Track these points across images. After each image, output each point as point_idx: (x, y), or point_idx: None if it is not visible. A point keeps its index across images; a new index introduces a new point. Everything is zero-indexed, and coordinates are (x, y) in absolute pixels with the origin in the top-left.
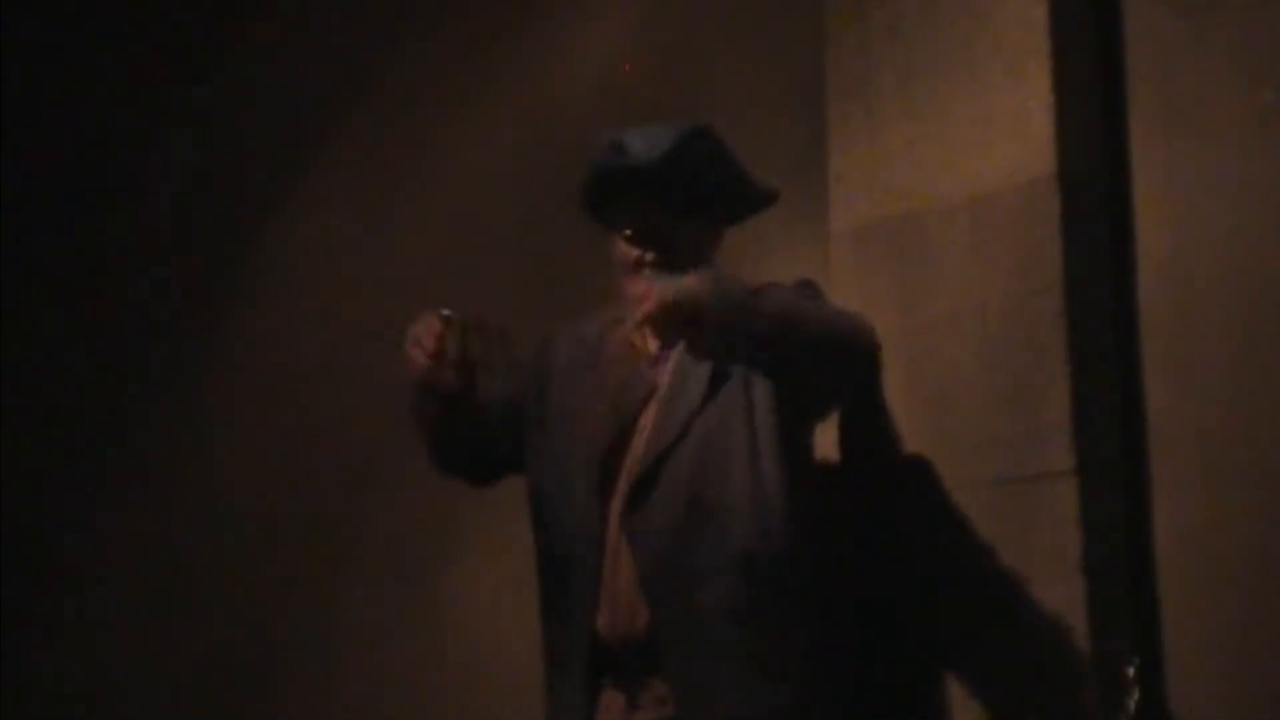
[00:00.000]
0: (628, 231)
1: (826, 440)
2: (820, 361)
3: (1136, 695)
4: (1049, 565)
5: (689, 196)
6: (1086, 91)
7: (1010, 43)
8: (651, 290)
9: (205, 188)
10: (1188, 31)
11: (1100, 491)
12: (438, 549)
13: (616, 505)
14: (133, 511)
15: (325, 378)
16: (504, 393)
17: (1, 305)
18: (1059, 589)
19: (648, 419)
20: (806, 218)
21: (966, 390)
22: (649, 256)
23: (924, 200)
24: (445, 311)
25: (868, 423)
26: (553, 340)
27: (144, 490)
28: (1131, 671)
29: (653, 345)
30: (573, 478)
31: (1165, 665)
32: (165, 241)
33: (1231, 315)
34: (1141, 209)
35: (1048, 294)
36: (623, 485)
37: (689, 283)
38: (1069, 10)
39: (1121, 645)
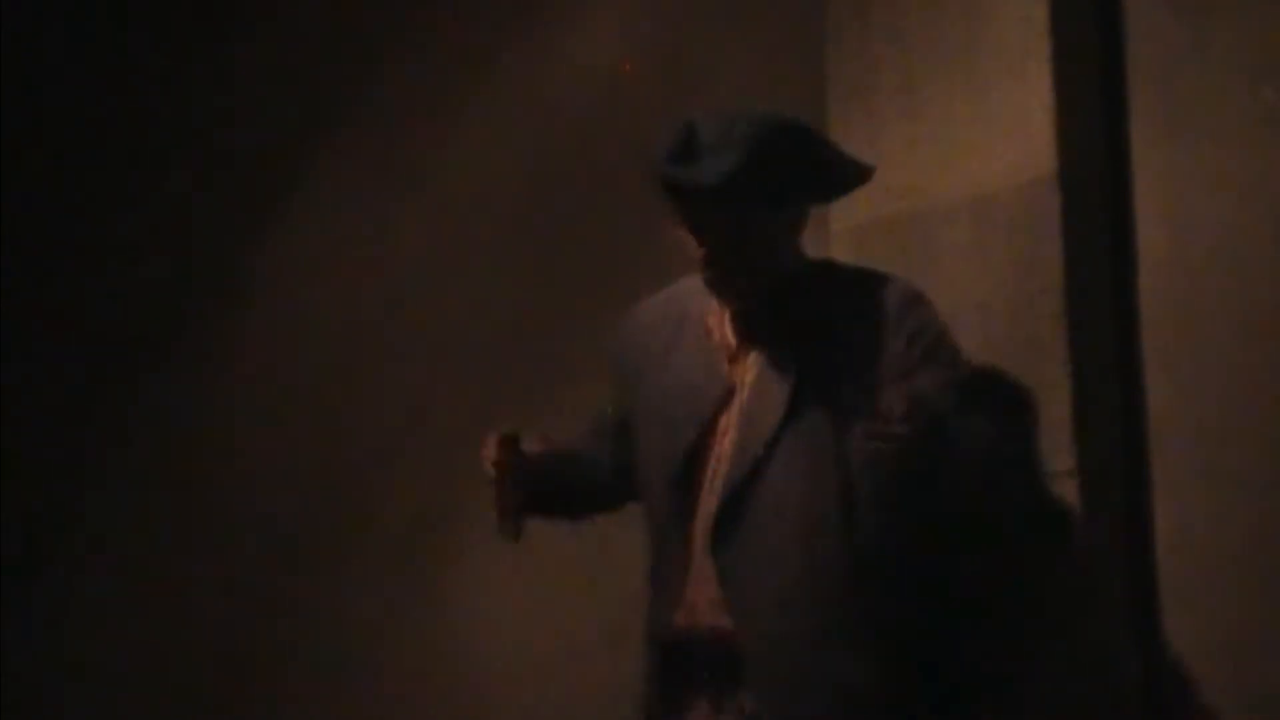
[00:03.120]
0: (691, 228)
1: None
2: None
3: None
4: None
5: (765, 193)
6: (1086, 91)
7: (1010, 43)
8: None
9: (206, 188)
10: (1188, 32)
11: (1100, 491)
12: (438, 549)
13: (704, 514)
14: (133, 513)
15: (326, 378)
16: (610, 413)
17: (1, 306)
18: None
19: (729, 421)
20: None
21: None
22: (714, 262)
23: (924, 200)
24: (507, 435)
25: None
26: (629, 328)
27: (144, 491)
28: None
29: (731, 339)
30: (655, 481)
31: (1165, 665)
32: (166, 242)
33: (1231, 315)
34: (1141, 209)
35: (1048, 294)
36: (709, 494)
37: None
38: (1069, 10)
39: (1122, 645)
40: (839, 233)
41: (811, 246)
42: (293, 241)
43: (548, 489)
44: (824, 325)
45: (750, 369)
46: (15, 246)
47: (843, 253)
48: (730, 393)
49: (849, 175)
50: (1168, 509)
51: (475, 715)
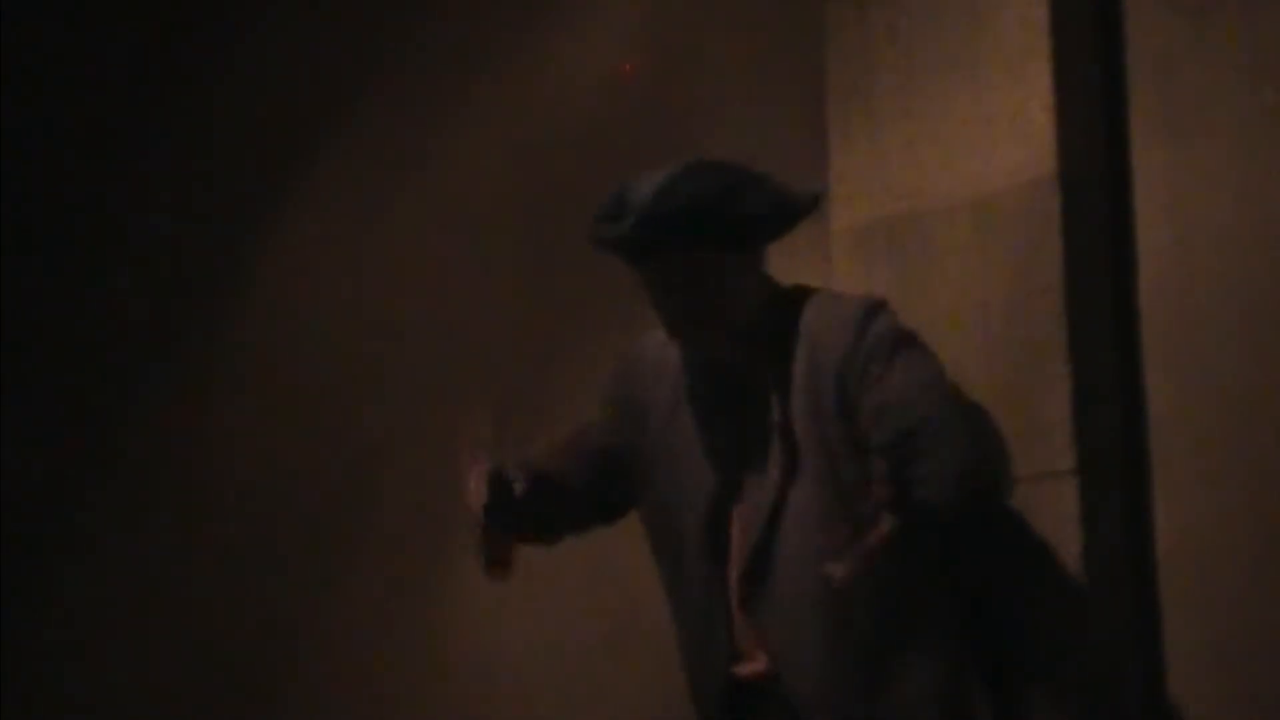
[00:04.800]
0: (647, 288)
1: None
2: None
3: None
4: None
5: (703, 238)
6: (1087, 91)
7: (1010, 43)
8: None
9: (205, 189)
10: (1188, 32)
11: (1100, 491)
12: (438, 549)
13: (731, 577)
14: (132, 513)
15: (325, 379)
16: (597, 443)
17: (2, 306)
18: None
19: (746, 477)
20: (807, 218)
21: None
22: (688, 300)
23: (924, 200)
24: (494, 472)
25: None
26: (632, 366)
27: (143, 491)
28: None
29: (712, 388)
30: (682, 533)
31: (1165, 665)
32: (164, 243)
33: (1231, 315)
34: (1141, 209)
35: (1048, 294)
36: (736, 559)
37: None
38: (1069, 10)
39: (1122, 645)
40: (839, 233)
41: (810, 247)
42: (291, 244)
43: (528, 525)
44: (801, 361)
45: (741, 429)
46: (14, 249)
47: (843, 253)
48: (743, 449)
49: (790, 206)
50: (1168, 509)
51: (475, 715)
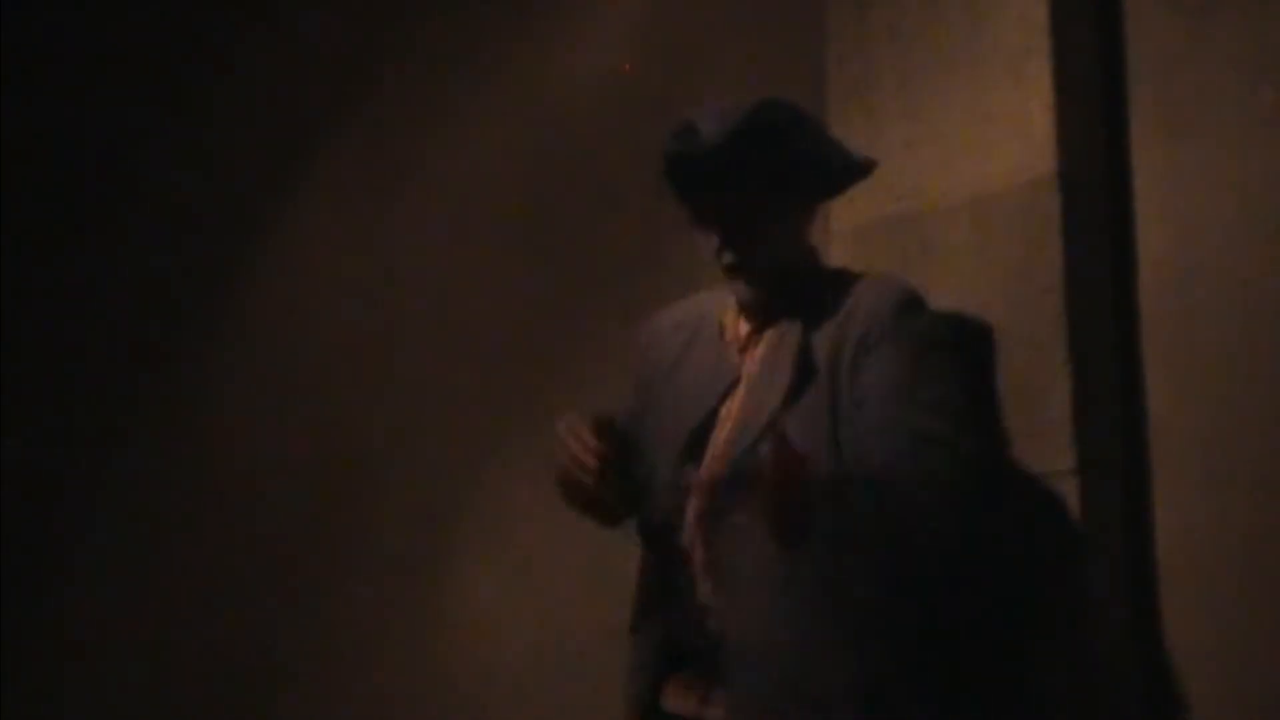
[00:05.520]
0: (703, 221)
1: None
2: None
3: None
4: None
5: (765, 171)
6: (1087, 91)
7: (1010, 43)
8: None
9: (207, 187)
10: (1188, 31)
11: (1100, 491)
12: (438, 549)
13: (696, 500)
14: (133, 514)
15: (326, 379)
16: (621, 425)
17: (2, 308)
18: None
19: (732, 408)
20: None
21: None
22: (727, 247)
23: (925, 200)
24: (602, 419)
25: None
26: (653, 331)
27: (144, 492)
28: None
29: (743, 330)
30: (657, 469)
31: (1165, 665)
32: (166, 243)
33: (1231, 315)
34: (1141, 209)
35: (1048, 294)
36: (703, 480)
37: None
38: (1069, 10)
39: (1122, 645)
40: (839, 233)
41: None
42: (293, 242)
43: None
44: (830, 316)
45: (756, 357)
46: (14, 251)
47: (843, 253)
48: (737, 382)
49: (851, 164)
50: (1168, 509)
51: (475, 715)
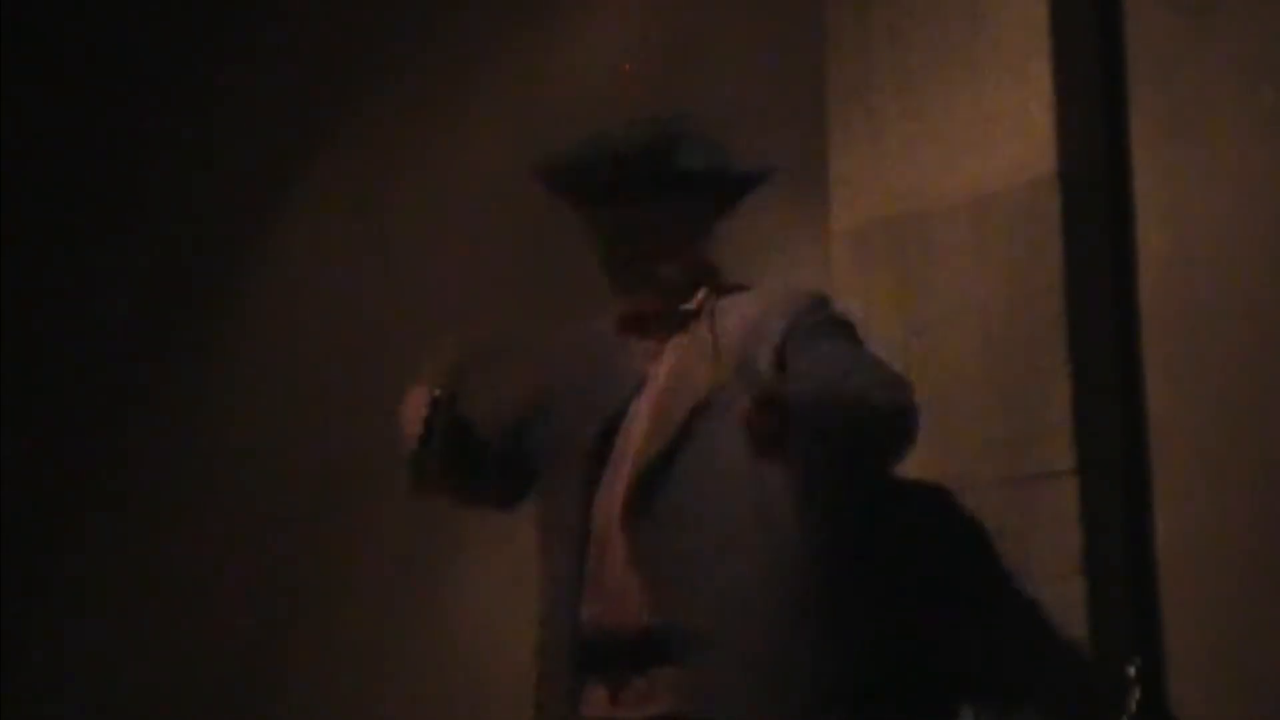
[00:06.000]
0: (600, 226)
1: None
2: (874, 451)
3: (1137, 695)
4: (1049, 565)
5: (659, 180)
6: (1087, 91)
7: (1010, 43)
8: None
9: (206, 191)
10: (1188, 31)
11: (1100, 491)
12: (438, 549)
13: (608, 498)
14: (133, 514)
15: (325, 379)
16: (513, 414)
17: (2, 308)
18: (1059, 589)
19: (641, 407)
20: (807, 218)
21: (967, 390)
22: (624, 251)
23: (924, 201)
24: (435, 392)
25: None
26: (554, 341)
27: (145, 492)
28: (1133, 671)
29: (648, 339)
30: (561, 471)
31: (1165, 665)
32: (166, 244)
33: (1231, 315)
34: (1141, 209)
35: (1048, 294)
36: (615, 478)
37: (770, 381)
38: (1069, 10)
39: (1121, 645)
40: (839, 233)
41: (810, 246)
42: (292, 244)
43: (453, 458)
44: (741, 323)
45: (666, 360)
46: (14, 254)
47: (843, 253)
48: (642, 383)
49: (746, 175)
50: (1168, 509)
51: (475, 715)
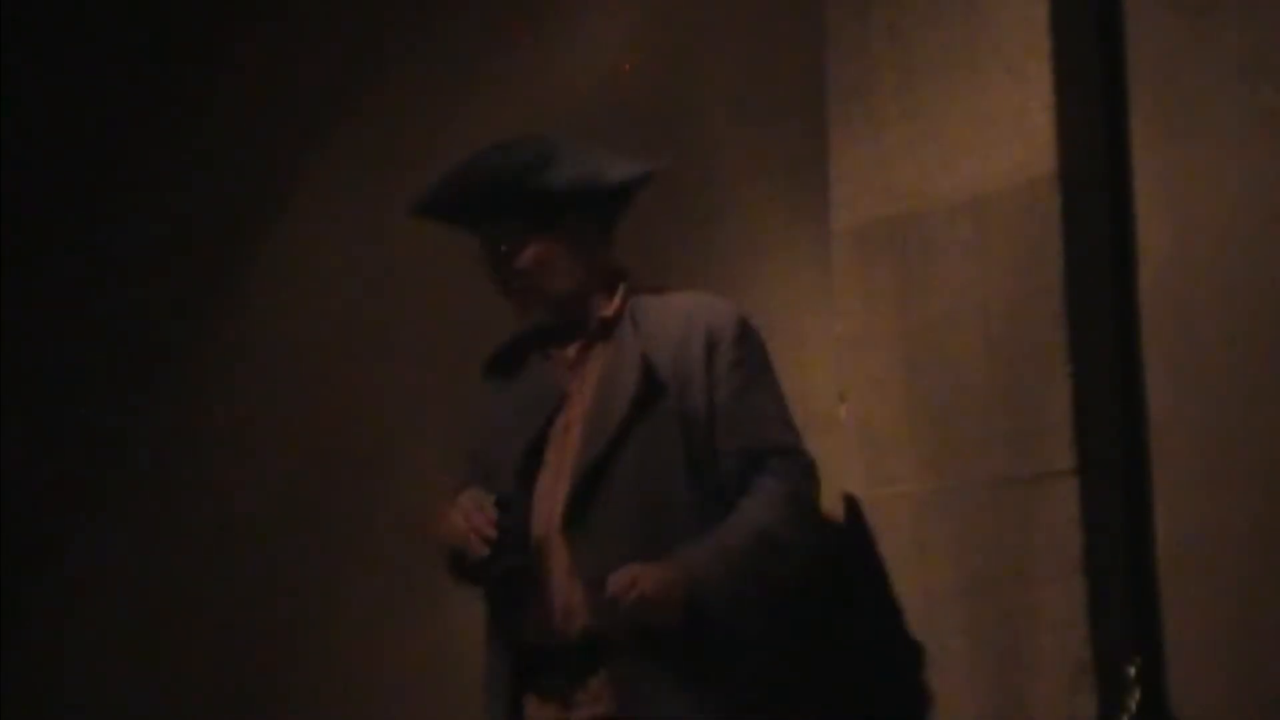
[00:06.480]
0: (481, 248)
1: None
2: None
3: (1137, 695)
4: (1049, 565)
5: (527, 200)
6: (1087, 91)
7: (1010, 43)
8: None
9: (206, 191)
10: (1188, 31)
11: (1100, 491)
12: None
13: (548, 508)
14: (134, 514)
15: (326, 379)
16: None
17: (2, 309)
18: (1059, 589)
19: (568, 421)
20: (807, 218)
21: (966, 390)
22: (506, 271)
23: (925, 200)
24: (499, 497)
25: None
26: (483, 375)
27: (145, 491)
28: (1133, 671)
29: (570, 351)
30: (494, 489)
31: (1165, 665)
32: (166, 245)
33: (1231, 315)
34: (1141, 209)
35: (1048, 294)
36: (553, 489)
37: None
38: (1069, 10)
39: (1121, 645)
40: (839, 233)
41: (810, 246)
42: (293, 243)
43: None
44: (666, 333)
45: (591, 373)
46: (14, 258)
47: (843, 252)
48: (565, 398)
49: (625, 179)
50: (1168, 509)
51: (475, 715)
